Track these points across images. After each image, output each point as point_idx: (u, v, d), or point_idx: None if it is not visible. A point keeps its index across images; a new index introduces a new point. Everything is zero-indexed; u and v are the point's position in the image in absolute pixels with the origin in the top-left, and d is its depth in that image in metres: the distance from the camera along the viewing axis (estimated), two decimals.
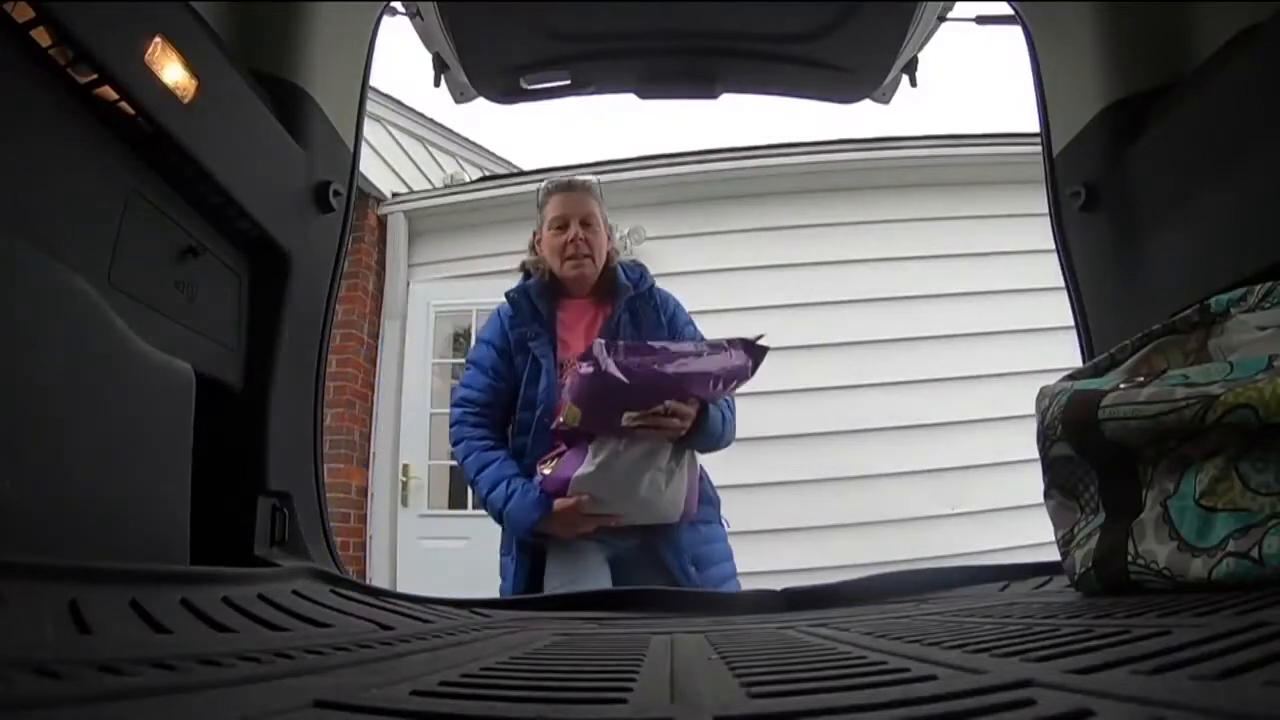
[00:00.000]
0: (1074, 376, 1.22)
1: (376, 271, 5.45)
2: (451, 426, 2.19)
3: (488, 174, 6.39)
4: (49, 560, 0.91)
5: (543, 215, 2.26)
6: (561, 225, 2.20)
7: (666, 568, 2.00)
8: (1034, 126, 2.01)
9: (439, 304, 5.48)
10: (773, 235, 5.07)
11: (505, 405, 2.14)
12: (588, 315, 2.20)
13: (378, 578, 4.88)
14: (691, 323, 2.28)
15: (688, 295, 2.53)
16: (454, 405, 2.21)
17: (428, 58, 2.31)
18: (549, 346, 2.11)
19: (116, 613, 0.80)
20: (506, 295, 2.21)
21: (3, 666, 0.46)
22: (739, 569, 2.18)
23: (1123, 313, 1.68)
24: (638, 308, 2.18)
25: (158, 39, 1.25)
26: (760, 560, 3.57)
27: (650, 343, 1.96)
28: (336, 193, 1.80)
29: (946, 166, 5.14)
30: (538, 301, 2.17)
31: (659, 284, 2.33)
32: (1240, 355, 1.02)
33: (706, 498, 2.15)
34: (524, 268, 2.30)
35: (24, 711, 0.38)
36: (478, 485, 2.07)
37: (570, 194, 2.26)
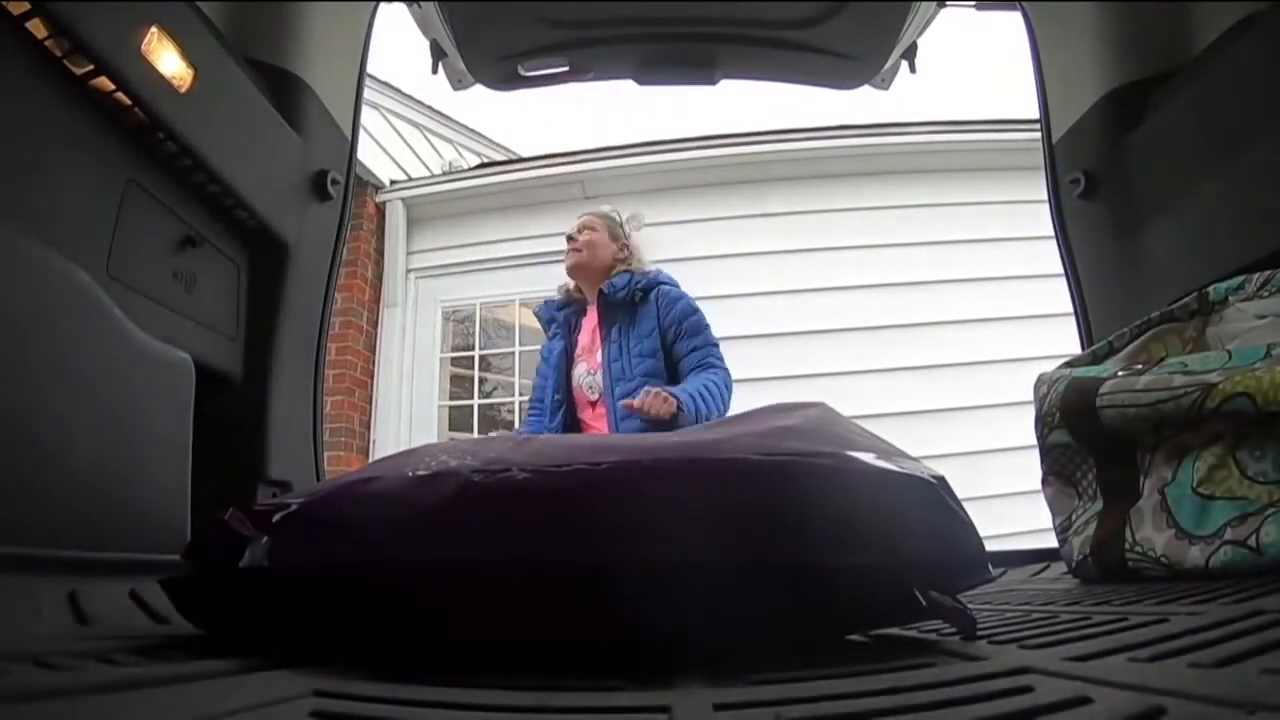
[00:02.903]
0: (1072, 364, 1.22)
1: (375, 259, 5.43)
2: None
3: (486, 161, 6.37)
4: (48, 551, 0.91)
5: None
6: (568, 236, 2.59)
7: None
8: (1034, 113, 2.00)
9: (446, 300, 5.48)
10: (771, 221, 5.06)
11: (554, 388, 2.45)
12: (594, 320, 2.51)
13: None
14: (694, 314, 2.44)
15: (686, 282, 2.60)
16: None
17: (425, 44, 2.30)
18: (562, 342, 2.53)
19: (116, 603, 0.80)
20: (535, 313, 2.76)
21: (1, 658, 0.47)
22: None
23: (1121, 300, 1.68)
24: (635, 311, 2.42)
25: (154, 29, 1.25)
26: None
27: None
28: (335, 181, 1.80)
29: (946, 153, 5.13)
30: (557, 313, 2.59)
31: (664, 271, 2.58)
32: (1238, 343, 1.02)
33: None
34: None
35: (22, 704, 0.38)
36: None
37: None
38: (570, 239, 2.55)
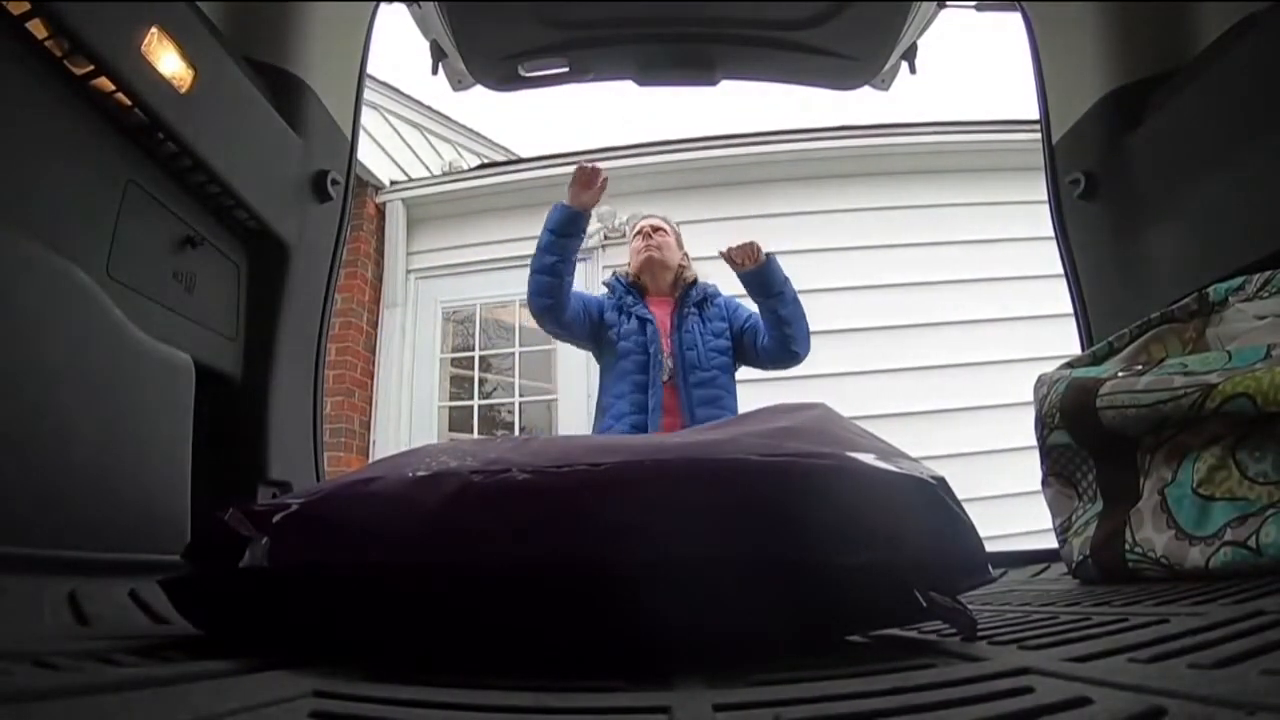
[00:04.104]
0: (1072, 364, 1.22)
1: (375, 260, 5.43)
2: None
3: (486, 161, 6.36)
4: (48, 551, 0.91)
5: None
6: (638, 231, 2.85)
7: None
8: (1034, 113, 2.00)
9: (446, 300, 5.48)
10: (772, 222, 5.05)
11: (658, 350, 2.57)
12: (664, 310, 2.69)
13: None
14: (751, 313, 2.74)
15: None
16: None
17: (425, 45, 2.30)
18: (653, 317, 2.65)
19: (116, 604, 0.80)
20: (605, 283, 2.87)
21: (1, 658, 0.47)
22: None
23: (1121, 300, 1.68)
24: (703, 310, 2.71)
25: (154, 29, 1.25)
26: None
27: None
28: (335, 181, 1.80)
29: (945, 153, 5.12)
30: (629, 292, 2.72)
31: None
32: (1238, 344, 1.01)
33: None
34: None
35: (22, 704, 0.38)
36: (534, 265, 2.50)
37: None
38: (647, 235, 2.75)
